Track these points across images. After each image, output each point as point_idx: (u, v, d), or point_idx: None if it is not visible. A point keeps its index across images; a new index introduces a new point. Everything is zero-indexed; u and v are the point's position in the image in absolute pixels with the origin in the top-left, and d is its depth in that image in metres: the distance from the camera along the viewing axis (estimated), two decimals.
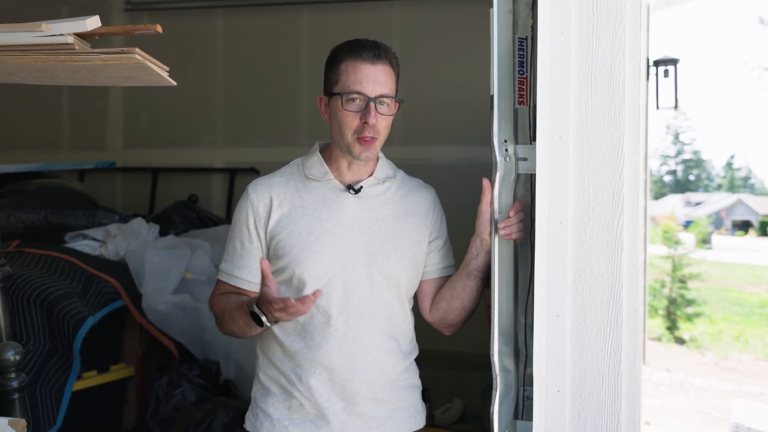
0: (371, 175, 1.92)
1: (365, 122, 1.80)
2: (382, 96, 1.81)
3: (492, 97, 1.77)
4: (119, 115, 5.10)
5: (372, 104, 1.80)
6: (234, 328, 1.87)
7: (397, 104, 1.89)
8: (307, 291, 1.83)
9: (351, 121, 1.81)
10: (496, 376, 1.78)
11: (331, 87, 1.85)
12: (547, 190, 1.67)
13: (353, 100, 1.80)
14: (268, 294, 1.69)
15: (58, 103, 5.16)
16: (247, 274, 1.90)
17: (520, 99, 1.81)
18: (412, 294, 1.96)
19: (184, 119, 4.95)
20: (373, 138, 1.82)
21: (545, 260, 1.68)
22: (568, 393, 1.68)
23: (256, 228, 1.88)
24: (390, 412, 1.89)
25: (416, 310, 2.00)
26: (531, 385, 1.74)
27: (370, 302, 1.85)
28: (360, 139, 1.81)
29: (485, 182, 1.82)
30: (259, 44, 4.80)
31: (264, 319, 1.73)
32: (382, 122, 1.83)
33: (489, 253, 1.86)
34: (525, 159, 1.77)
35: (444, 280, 1.99)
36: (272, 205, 1.87)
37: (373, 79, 1.80)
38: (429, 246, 1.96)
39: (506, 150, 1.78)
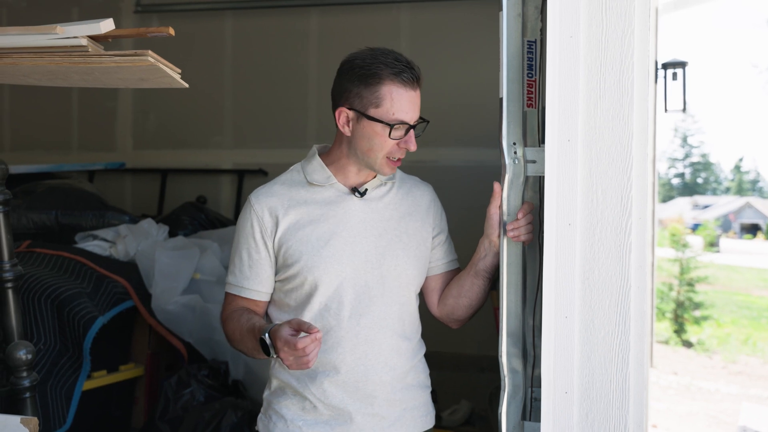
0: (374, 177, 1.93)
1: (405, 147, 1.82)
2: (420, 122, 1.84)
3: (501, 99, 1.78)
4: (129, 117, 5.12)
5: (412, 131, 1.82)
6: (243, 348, 1.85)
7: None
8: (320, 296, 1.84)
9: (387, 144, 1.81)
10: (504, 377, 1.79)
11: (366, 108, 1.79)
12: (555, 193, 1.68)
13: (398, 128, 1.80)
14: (283, 335, 1.64)
15: (68, 105, 5.18)
16: (257, 284, 1.90)
17: (529, 102, 1.82)
18: (418, 291, 1.98)
19: (193, 121, 4.97)
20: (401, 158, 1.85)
21: (553, 262, 1.68)
22: (576, 394, 1.69)
23: (263, 238, 1.87)
24: (402, 411, 1.90)
25: (422, 305, 2.01)
26: (539, 386, 1.75)
27: (382, 303, 1.86)
28: (390, 160, 1.83)
29: (496, 185, 1.83)
30: (267, 46, 4.82)
31: (272, 351, 1.68)
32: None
33: (497, 255, 1.87)
34: (534, 161, 1.78)
35: (449, 275, 2.00)
36: (278, 214, 1.86)
37: (415, 106, 1.81)
38: (433, 242, 1.98)
39: (515, 152, 1.79)
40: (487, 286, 1.94)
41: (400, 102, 1.78)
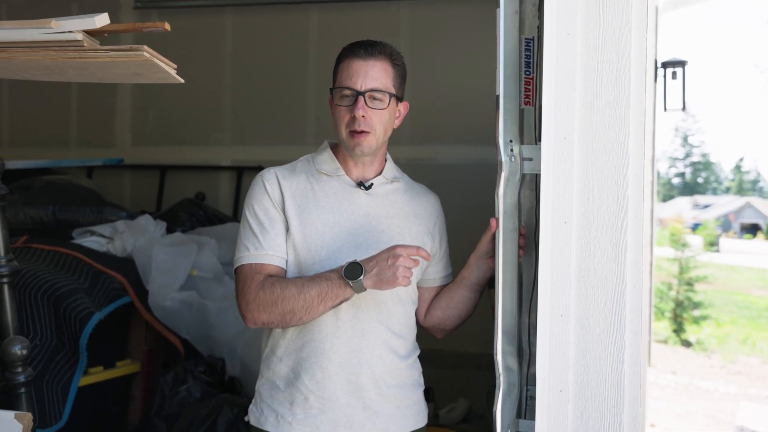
0: (380, 174, 1.94)
1: (353, 115, 1.82)
2: (373, 90, 1.83)
3: (498, 97, 1.77)
4: (128, 113, 5.12)
5: (361, 98, 1.82)
6: (305, 299, 1.75)
7: (405, 103, 1.91)
8: None
9: (343, 116, 1.84)
10: (499, 375, 1.79)
11: (332, 87, 1.90)
12: (551, 191, 1.67)
13: (345, 95, 1.84)
14: (397, 247, 1.72)
15: (67, 101, 5.18)
16: (282, 251, 1.85)
17: (527, 99, 1.81)
18: (415, 294, 1.98)
19: (192, 117, 4.97)
20: (364, 132, 1.83)
21: (549, 260, 1.68)
22: (571, 392, 1.68)
23: (274, 207, 1.86)
24: (395, 409, 1.90)
25: None
26: (534, 384, 1.75)
27: (379, 298, 1.86)
28: (352, 133, 1.83)
29: (493, 221, 1.82)
30: (267, 43, 4.81)
31: (362, 277, 1.71)
32: (374, 117, 1.84)
33: (489, 270, 1.91)
34: (530, 159, 1.78)
35: (442, 288, 2.03)
36: (284, 194, 1.87)
37: (364, 74, 1.83)
38: (434, 253, 1.98)
39: (511, 150, 1.78)
40: (477, 298, 1.98)
41: (348, 70, 1.84)
